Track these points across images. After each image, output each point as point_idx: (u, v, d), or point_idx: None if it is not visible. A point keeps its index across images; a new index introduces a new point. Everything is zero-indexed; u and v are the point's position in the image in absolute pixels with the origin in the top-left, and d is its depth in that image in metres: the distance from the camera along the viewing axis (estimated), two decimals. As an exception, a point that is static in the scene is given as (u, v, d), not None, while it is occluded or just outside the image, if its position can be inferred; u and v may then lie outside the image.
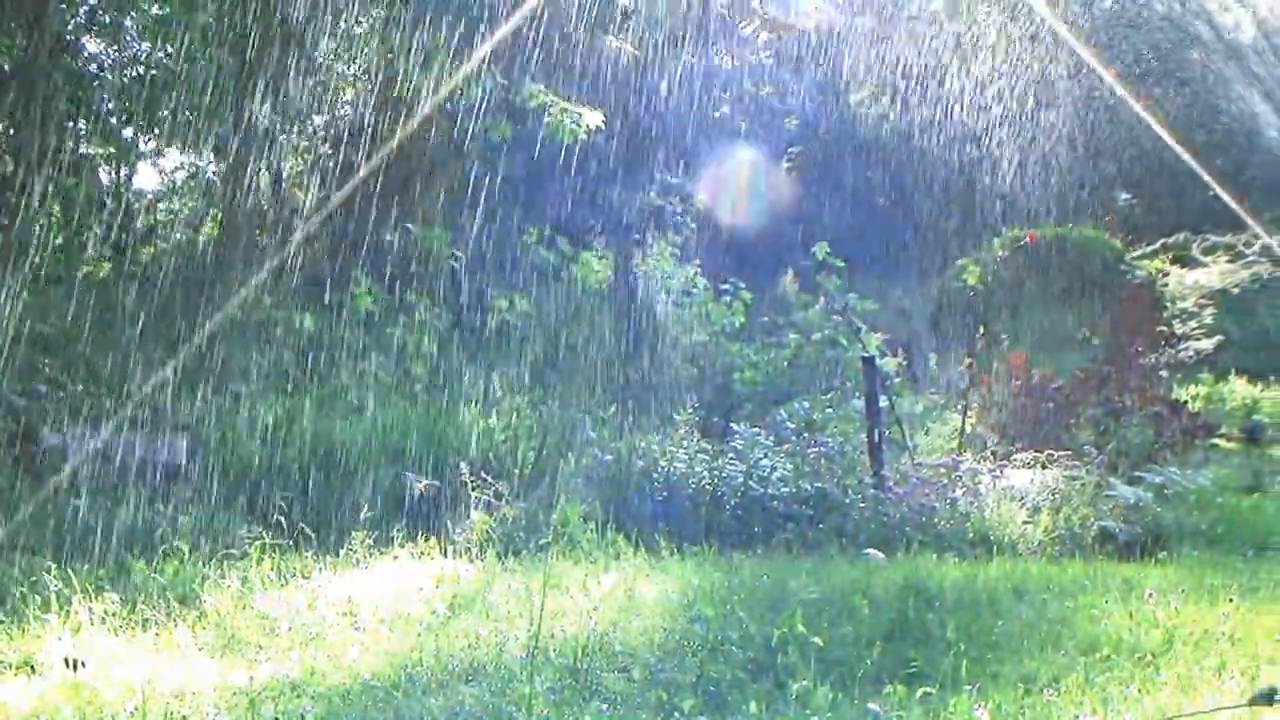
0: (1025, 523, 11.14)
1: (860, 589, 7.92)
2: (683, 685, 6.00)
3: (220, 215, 11.12)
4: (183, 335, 9.08)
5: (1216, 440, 14.15)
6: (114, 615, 7.07)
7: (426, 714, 5.78)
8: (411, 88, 10.97)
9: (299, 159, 11.11)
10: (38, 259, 9.84)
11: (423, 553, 9.24)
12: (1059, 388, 14.61)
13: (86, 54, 11.10)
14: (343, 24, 11.41)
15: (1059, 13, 13.30)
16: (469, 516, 10.20)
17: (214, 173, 11.72)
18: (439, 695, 6.08)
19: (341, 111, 12.25)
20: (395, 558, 9.05)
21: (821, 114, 15.05)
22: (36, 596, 7.11)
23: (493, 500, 10.20)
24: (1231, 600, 8.08)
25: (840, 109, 15.44)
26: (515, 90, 11.62)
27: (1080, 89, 13.88)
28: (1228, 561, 10.31)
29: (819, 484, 11.46)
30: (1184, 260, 16.63)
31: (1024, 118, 14.59)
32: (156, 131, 11.39)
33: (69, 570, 7.31)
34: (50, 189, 10.15)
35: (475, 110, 11.38)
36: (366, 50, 11.99)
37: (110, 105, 11.05)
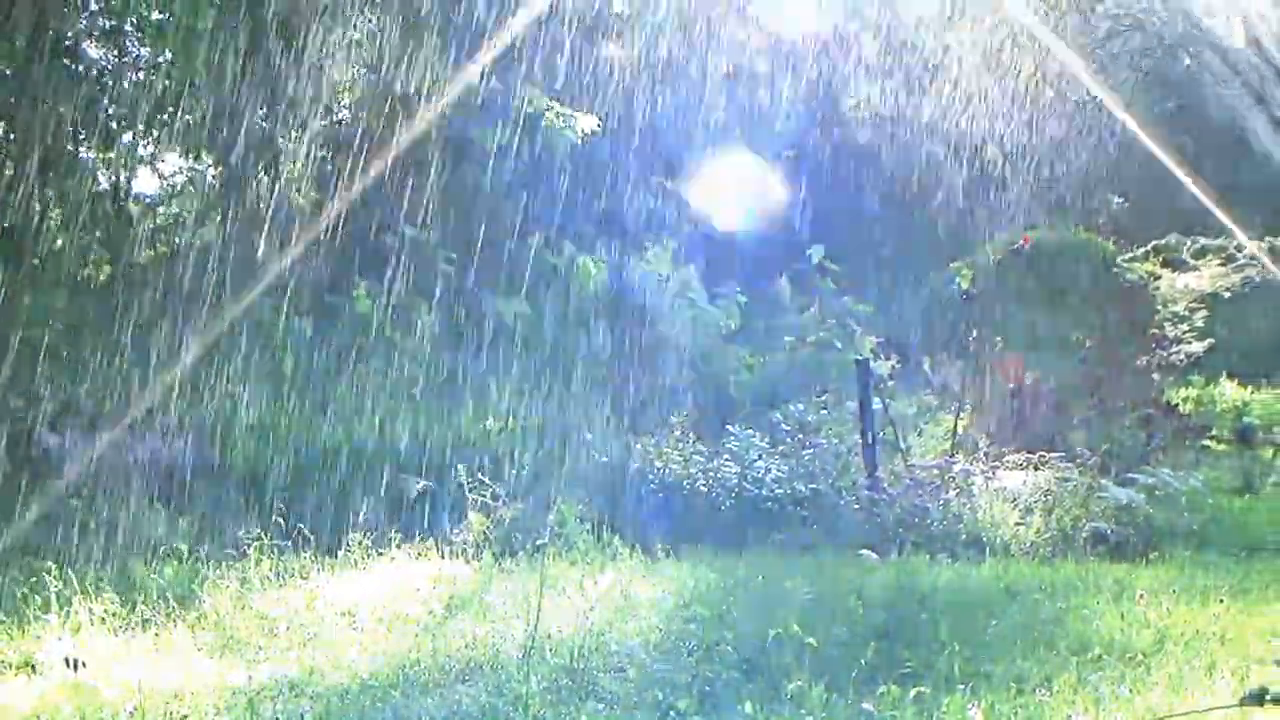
0: (1018, 524, 11.21)
1: (854, 589, 7.99)
2: (678, 685, 6.02)
3: (219, 219, 11.15)
4: (182, 338, 9.12)
5: (1207, 442, 14.23)
6: (114, 616, 7.11)
7: (424, 713, 5.81)
8: (409, 92, 11.01)
9: (297, 163, 11.15)
10: (38, 262, 9.89)
11: (420, 554, 9.29)
12: (1051, 390, 14.68)
13: (87, 58, 11.15)
14: (341, 29, 11.46)
15: (1051, 20, 13.39)
16: (466, 518, 10.24)
17: (213, 177, 11.76)
18: (436, 695, 6.11)
19: (340, 116, 12.30)
20: (393, 559, 9.09)
21: (817, 118, 15.14)
22: (37, 597, 7.13)
23: (490, 502, 10.24)
24: (1222, 601, 8.17)
25: (835, 113, 15.52)
26: (511, 94, 11.69)
27: (1072, 94, 13.97)
28: (1219, 562, 10.38)
29: (813, 485, 11.53)
30: (1175, 263, 16.72)
31: (1017, 122, 14.66)
32: (156, 135, 11.43)
33: (69, 571, 7.33)
34: (51, 193, 10.19)
35: (472, 114, 11.44)
36: (364, 55, 12.03)
37: (110, 110, 11.08)
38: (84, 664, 6.13)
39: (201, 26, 9.64)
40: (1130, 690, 6.00)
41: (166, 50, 10.74)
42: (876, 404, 13.45)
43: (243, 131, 10.67)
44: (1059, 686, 6.08)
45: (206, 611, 7.45)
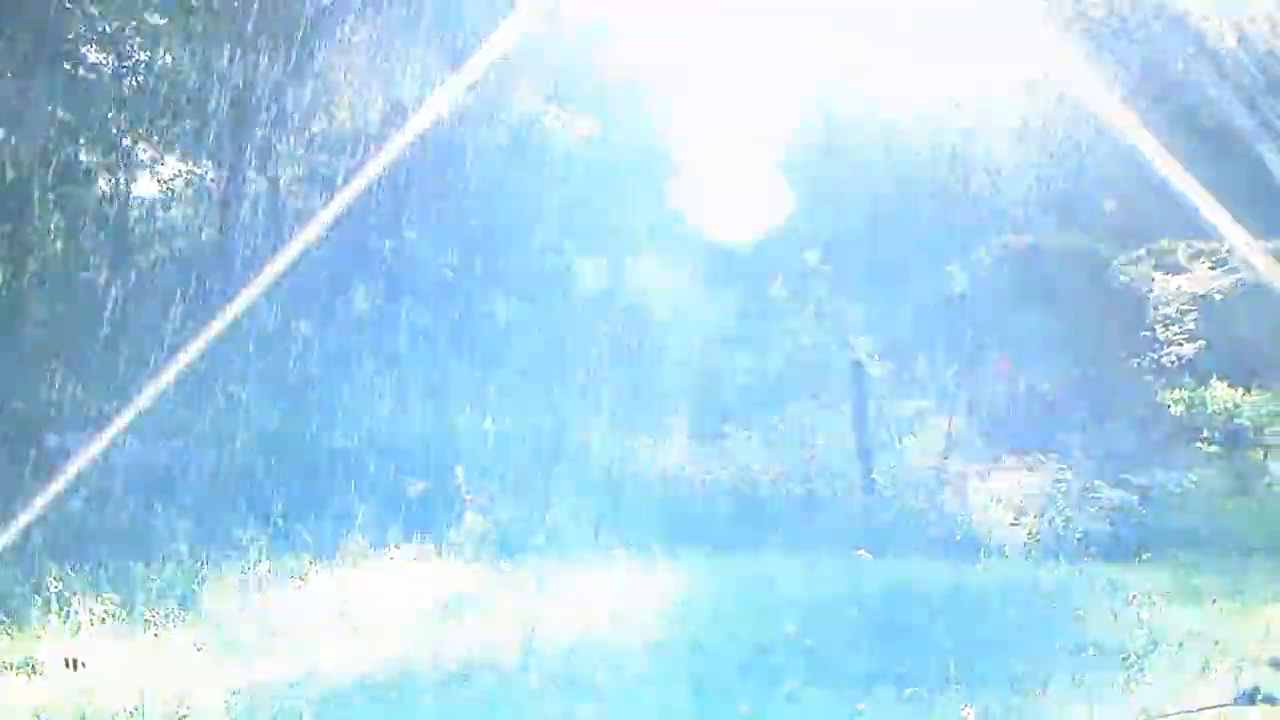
0: (1012, 525, 11.27)
1: (850, 590, 8.03)
2: (674, 684, 6.06)
3: (218, 222, 11.19)
4: (182, 340, 9.15)
5: (1199, 444, 14.29)
6: (114, 616, 7.14)
7: (422, 713, 5.84)
8: (409, 95, 11.06)
9: (296, 167, 11.19)
10: (39, 265, 9.92)
11: (418, 554, 9.32)
12: (1045, 392, 14.74)
13: (88, 63, 11.19)
14: (339, 34, 11.52)
15: (1046, 23, 13.47)
16: (464, 518, 10.27)
17: (212, 180, 11.80)
18: (434, 694, 6.14)
19: (339, 121, 12.33)
20: (391, 559, 9.13)
21: (813, 122, 15.20)
22: (37, 597, 7.16)
23: (487, 502, 10.28)
24: (1214, 602, 8.22)
25: (831, 117, 15.59)
26: (512, 99, 11.75)
27: (1068, 98, 14.04)
28: (1211, 563, 10.41)
29: (809, 487, 11.58)
30: (1168, 266, 16.77)
31: (1013, 126, 14.73)
32: (155, 140, 11.47)
33: (69, 572, 7.36)
34: (52, 196, 10.22)
35: (473, 118, 11.49)
36: (363, 59, 12.08)
37: (110, 114, 11.12)
38: (84, 664, 6.16)
39: (199, 31, 9.69)
40: (1123, 690, 6.05)
41: (166, 56, 10.79)
42: (872, 406, 13.51)
43: (241, 136, 10.71)
44: (1053, 686, 6.12)
45: (206, 612, 7.48)
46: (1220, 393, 14.88)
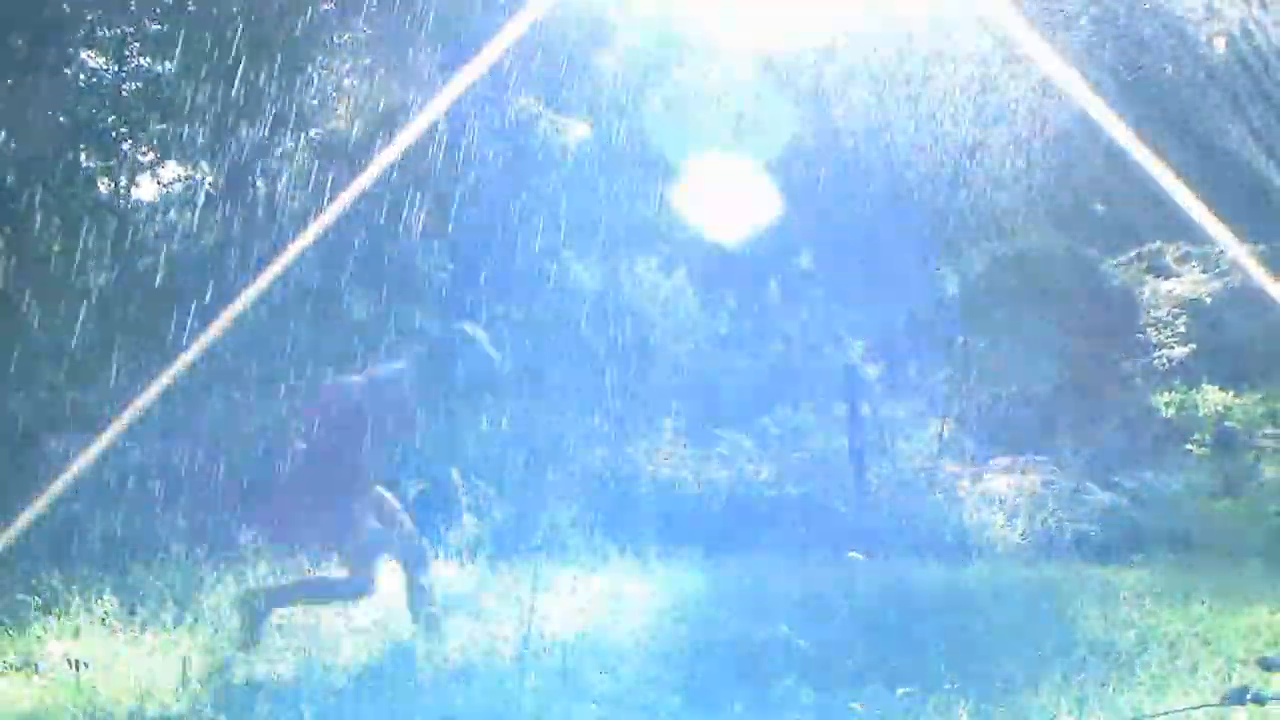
0: (1003, 526, 11.36)
1: (843, 591, 8.09)
2: (670, 686, 6.12)
3: (217, 225, 11.23)
4: (180, 342, 9.18)
5: (1189, 446, 14.38)
6: (113, 617, 7.18)
7: (418, 713, 5.89)
8: (404, 99, 11.12)
9: (294, 171, 11.23)
10: (39, 268, 9.96)
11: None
12: (1036, 395, 14.82)
13: (88, 68, 11.25)
14: (338, 38, 11.57)
15: (1036, 28, 13.55)
16: (460, 520, 10.31)
17: (210, 184, 11.84)
18: (430, 695, 6.19)
19: (336, 124, 12.37)
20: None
21: (806, 126, 15.27)
22: (37, 598, 7.20)
23: (483, 504, 10.33)
24: (1204, 603, 8.30)
25: (824, 120, 15.66)
26: (506, 102, 11.81)
27: (1058, 102, 14.12)
28: (1201, 564, 10.50)
29: (803, 489, 11.65)
30: (1159, 269, 16.85)
31: (1003, 130, 14.80)
32: (155, 144, 11.51)
33: (69, 573, 7.40)
34: (51, 200, 10.25)
35: (467, 122, 11.54)
36: (361, 64, 12.13)
37: (110, 119, 11.17)
38: (86, 664, 6.20)
39: (199, 37, 9.74)
40: (1114, 690, 6.12)
41: (165, 62, 10.84)
42: (865, 408, 13.59)
43: (239, 140, 10.76)
44: (1043, 686, 6.18)
45: (205, 613, 7.52)
46: (1211, 396, 14.97)
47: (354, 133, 11.86)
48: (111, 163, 11.25)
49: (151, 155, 11.69)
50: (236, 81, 10.29)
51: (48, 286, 10.01)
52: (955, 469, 12.79)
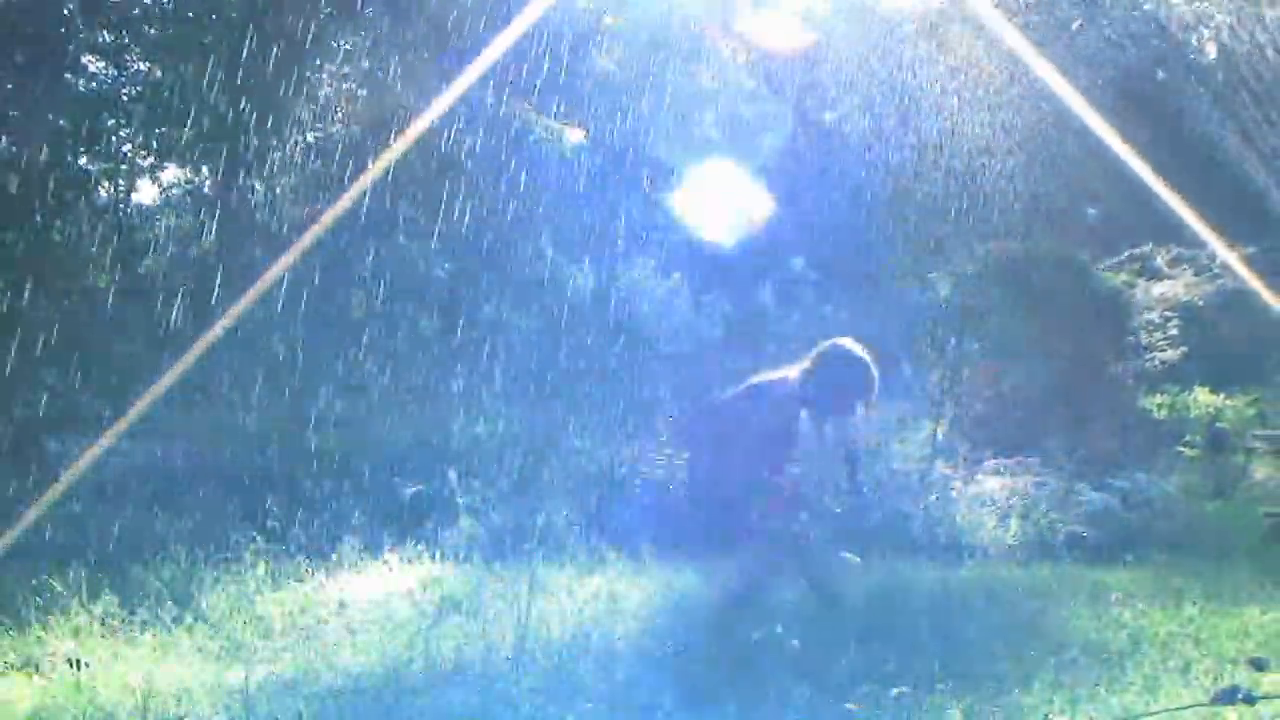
0: (996, 527, 11.41)
1: (837, 591, 8.12)
2: (665, 686, 6.15)
3: (216, 228, 11.27)
4: (179, 344, 9.23)
5: (1181, 448, 14.47)
6: (113, 617, 7.21)
7: (416, 713, 5.93)
8: (402, 105, 11.16)
9: (294, 173, 11.27)
10: (40, 270, 9.99)
11: (412, 557, 9.40)
12: (1029, 397, 14.88)
13: (89, 73, 11.29)
14: (337, 43, 11.62)
15: (1028, 33, 13.64)
16: (457, 521, 10.35)
17: (210, 187, 11.88)
18: (428, 695, 6.22)
19: (335, 128, 12.42)
20: (385, 562, 9.21)
21: (800, 131, 15.36)
22: (37, 599, 7.22)
23: (479, 505, 10.36)
24: (1195, 603, 8.36)
25: (819, 126, 15.75)
26: (501, 107, 11.85)
27: (1049, 106, 14.21)
28: (1192, 565, 10.55)
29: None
30: (1151, 272, 16.94)
31: (996, 134, 14.89)
32: (155, 147, 11.55)
33: (69, 573, 7.43)
34: (52, 202, 10.29)
35: (462, 127, 11.59)
36: (359, 69, 12.18)
37: (111, 123, 11.20)
38: (86, 664, 6.23)
39: (200, 42, 9.78)
40: (1106, 690, 6.16)
41: (165, 67, 10.88)
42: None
43: (239, 143, 10.80)
44: (1036, 686, 6.23)
45: (204, 613, 7.55)
46: (1202, 398, 15.07)
47: (352, 137, 11.91)
48: (112, 166, 11.29)
49: (152, 159, 11.75)
50: (236, 86, 10.33)
51: (49, 288, 10.04)
52: (948, 470, 12.85)
